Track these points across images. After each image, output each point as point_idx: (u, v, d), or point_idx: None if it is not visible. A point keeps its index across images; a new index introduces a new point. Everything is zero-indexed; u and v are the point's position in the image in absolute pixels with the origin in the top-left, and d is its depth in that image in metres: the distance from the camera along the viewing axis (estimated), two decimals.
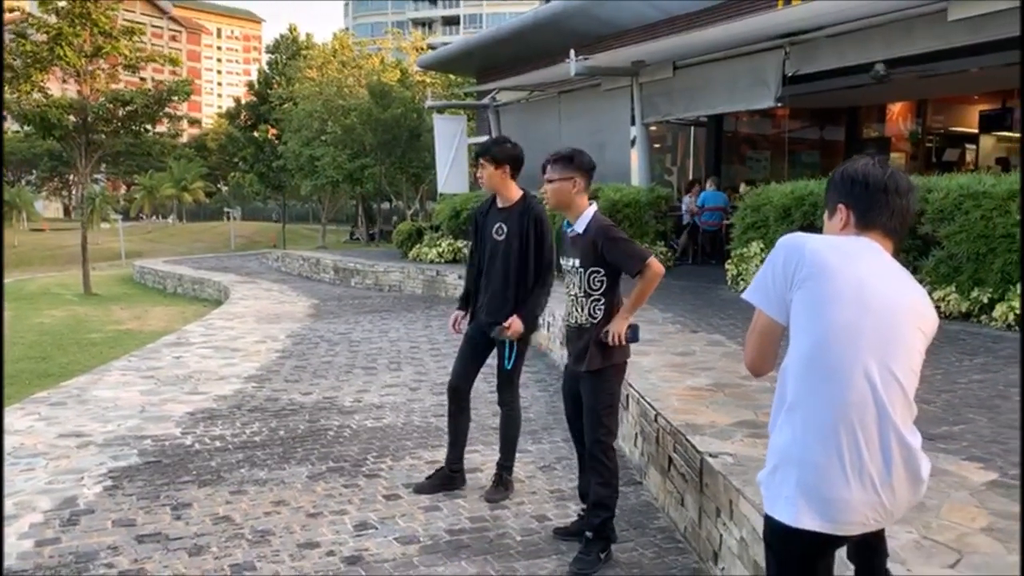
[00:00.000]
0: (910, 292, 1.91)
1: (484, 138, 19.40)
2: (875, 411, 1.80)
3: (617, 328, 3.61)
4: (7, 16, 23.97)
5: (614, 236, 3.60)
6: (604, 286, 3.65)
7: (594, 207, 3.73)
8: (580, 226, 3.68)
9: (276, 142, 42.02)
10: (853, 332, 1.82)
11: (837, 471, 1.80)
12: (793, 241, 1.91)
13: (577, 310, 3.75)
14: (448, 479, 4.62)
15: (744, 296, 2.00)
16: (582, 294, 3.68)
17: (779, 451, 1.89)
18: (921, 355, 1.89)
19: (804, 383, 1.86)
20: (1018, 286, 6.88)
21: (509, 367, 4.42)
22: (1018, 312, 6.83)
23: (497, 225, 4.38)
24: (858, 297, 1.83)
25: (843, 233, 1.97)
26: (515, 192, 4.39)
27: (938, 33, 9.49)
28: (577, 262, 3.67)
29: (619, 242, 3.59)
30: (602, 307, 3.67)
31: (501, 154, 4.34)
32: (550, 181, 3.71)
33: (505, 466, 4.57)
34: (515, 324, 4.28)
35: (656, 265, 3.58)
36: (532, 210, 4.31)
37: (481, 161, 4.37)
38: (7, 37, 20.21)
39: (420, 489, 4.59)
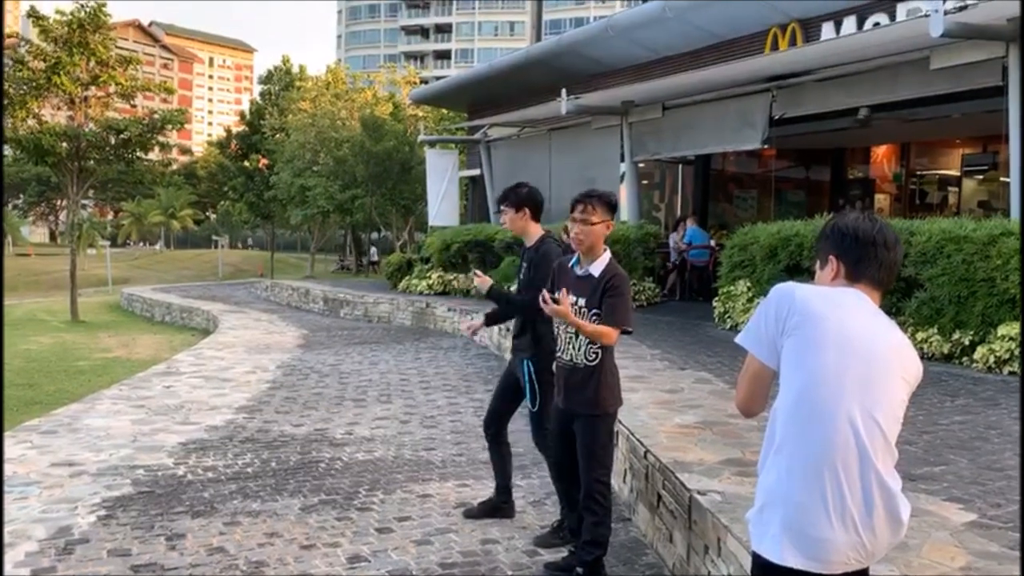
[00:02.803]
0: (895, 341, 2.01)
1: (476, 171, 19.63)
2: (857, 455, 1.90)
3: (565, 312, 3.60)
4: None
5: (623, 291, 3.73)
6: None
7: (609, 253, 3.85)
8: (596, 269, 3.78)
9: (267, 172, 42.20)
10: (837, 377, 1.92)
11: (820, 512, 1.90)
12: (784, 290, 2.02)
13: (573, 348, 3.84)
14: (495, 508, 4.75)
15: (737, 340, 2.10)
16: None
17: (766, 490, 1.99)
18: (903, 404, 1.99)
19: (791, 425, 1.96)
20: (999, 329, 7.03)
21: (534, 409, 4.47)
22: (999, 355, 6.97)
23: (522, 265, 4.62)
24: (843, 344, 1.94)
25: (833, 284, 2.08)
26: (536, 232, 4.56)
27: (921, 80, 9.76)
28: (583, 301, 3.76)
29: (622, 298, 3.72)
30: (597, 348, 3.77)
31: (518, 198, 4.52)
32: (584, 223, 3.78)
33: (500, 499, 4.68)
34: (483, 279, 4.47)
35: (615, 338, 3.71)
36: (542, 247, 4.48)
37: (502, 207, 4.58)
38: (5, 63, 20.31)
39: (469, 514, 4.73)
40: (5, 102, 20.24)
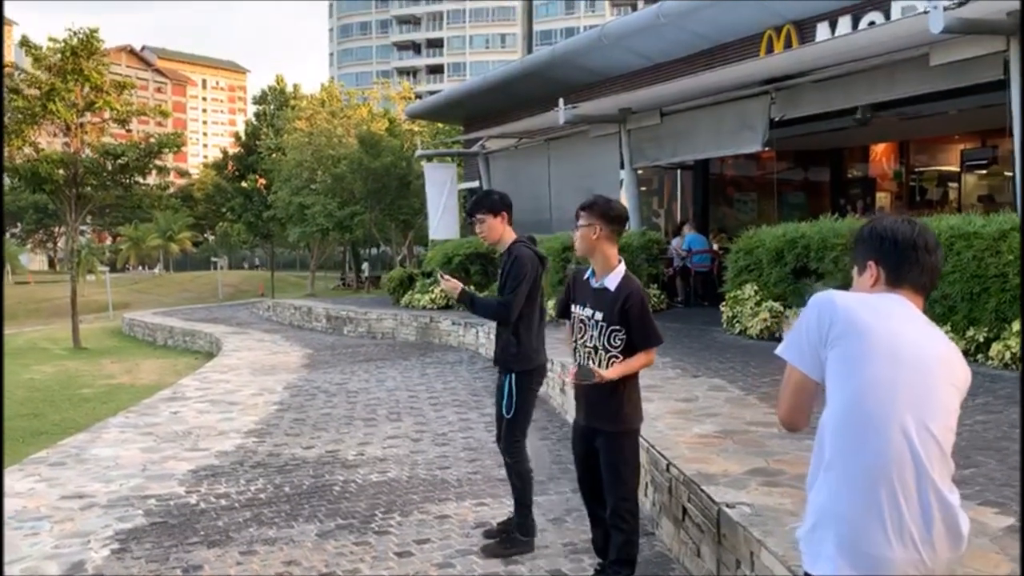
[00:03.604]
0: (943, 349, 1.95)
1: (475, 183, 19.60)
2: (913, 468, 1.83)
3: (600, 376, 3.60)
4: None
5: (645, 306, 3.67)
6: (624, 344, 3.66)
7: (624, 266, 3.76)
8: (611, 283, 3.70)
9: (265, 191, 42.21)
10: (888, 389, 1.85)
11: (877, 529, 1.82)
12: (826, 299, 1.96)
13: (592, 364, 3.76)
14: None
15: (777, 353, 2.03)
16: (601, 347, 3.69)
17: (818, 508, 1.91)
18: (956, 412, 1.92)
19: (841, 440, 1.88)
20: (1014, 324, 6.96)
21: (508, 416, 4.41)
22: (1014, 351, 6.89)
23: (499, 272, 4.54)
24: (892, 354, 1.87)
25: (873, 290, 2.02)
26: (510, 237, 4.50)
27: (920, 77, 9.70)
28: (600, 316, 3.68)
29: (647, 313, 3.68)
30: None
31: (493, 204, 4.47)
32: (577, 228, 3.77)
33: (516, 522, 4.52)
34: (452, 283, 4.38)
35: (653, 358, 3.74)
36: (513, 251, 4.42)
37: (478, 217, 4.46)
38: None
39: (489, 535, 4.61)
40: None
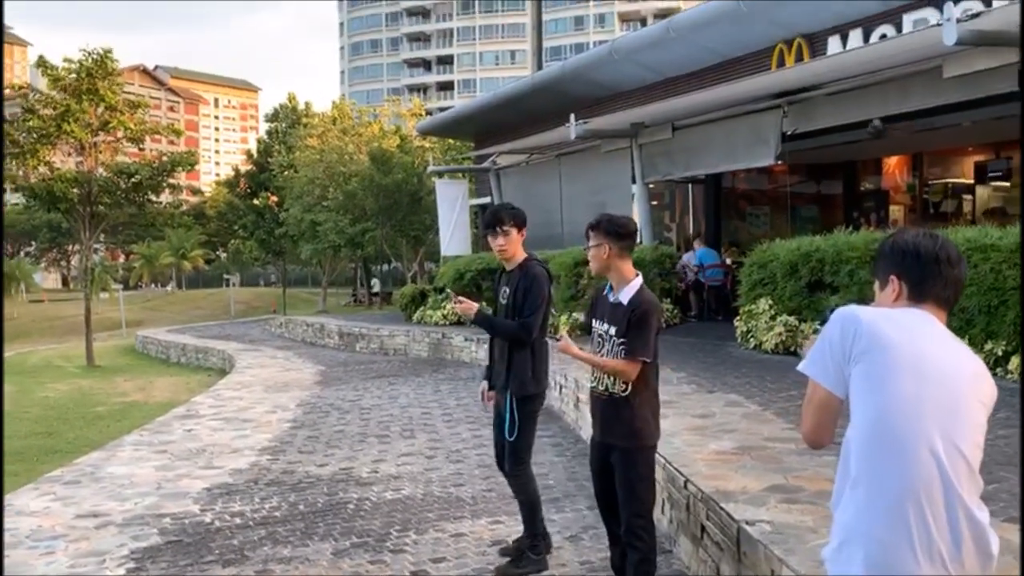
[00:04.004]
0: (969, 363, 1.92)
1: (486, 200, 19.63)
2: (941, 486, 1.80)
3: (567, 346, 3.61)
4: (10, 92, 24.39)
5: (648, 319, 3.60)
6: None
7: (640, 279, 3.74)
8: (625, 297, 3.67)
9: (277, 209, 42.40)
10: (915, 405, 1.82)
11: (905, 548, 1.79)
12: (848, 313, 1.93)
13: (606, 376, 3.74)
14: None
15: (800, 369, 2.01)
16: None
17: (845, 527, 1.88)
18: (983, 428, 1.89)
19: (867, 458, 1.85)
20: None
21: (511, 439, 4.35)
22: None
23: (503, 290, 4.45)
24: (918, 369, 1.84)
25: (896, 304, 1.99)
26: (521, 255, 4.43)
27: (933, 89, 9.67)
28: (613, 330, 3.66)
29: (647, 325, 3.60)
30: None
31: (516, 218, 4.38)
32: (587, 248, 3.76)
33: (525, 542, 4.47)
34: (468, 304, 4.28)
35: (635, 371, 3.59)
36: (529, 270, 4.34)
37: (503, 228, 4.34)
38: (15, 112, 20.55)
39: (505, 552, 4.58)
40: (16, 151, 20.43)
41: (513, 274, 4.39)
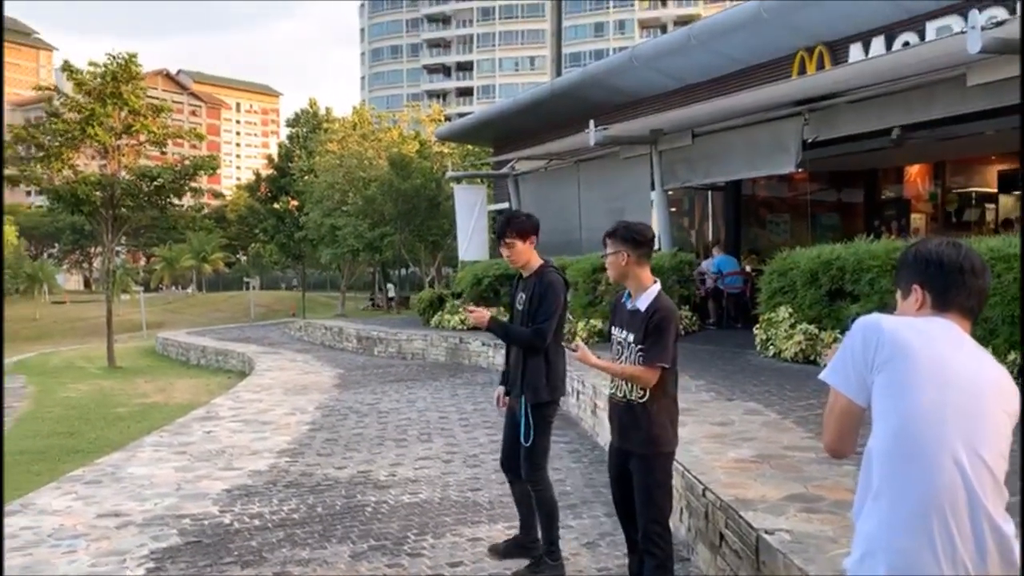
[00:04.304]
0: (993, 373, 1.90)
1: (504, 205, 19.66)
2: (965, 496, 1.78)
3: (585, 356, 3.61)
4: (37, 94, 24.69)
5: (666, 325, 3.59)
6: None
7: (658, 286, 3.73)
8: (642, 303, 3.67)
9: (297, 213, 42.69)
10: (938, 415, 1.81)
11: (929, 559, 1.77)
12: (871, 322, 1.92)
13: (625, 383, 3.74)
14: (522, 547, 4.56)
15: (821, 377, 2.00)
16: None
17: (867, 537, 1.87)
18: (1009, 438, 1.87)
19: (889, 468, 1.84)
20: None
21: (527, 444, 4.34)
22: None
23: (520, 296, 4.45)
24: (941, 379, 1.83)
25: (919, 314, 1.98)
26: (536, 261, 4.43)
27: (957, 98, 9.60)
28: (631, 337, 3.66)
29: (665, 331, 3.59)
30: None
31: (524, 227, 4.39)
32: (605, 256, 3.76)
33: (544, 547, 4.46)
34: (480, 314, 4.27)
35: (653, 377, 3.58)
36: (545, 277, 4.34)
37: (506, 240, 4.37)
38: (39, 115, 20.80)
39: (494, 550, 4.55)
40: (42, 154, 20.69)
41: (529, 280, 4.40)
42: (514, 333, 4.42)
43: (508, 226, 4.37)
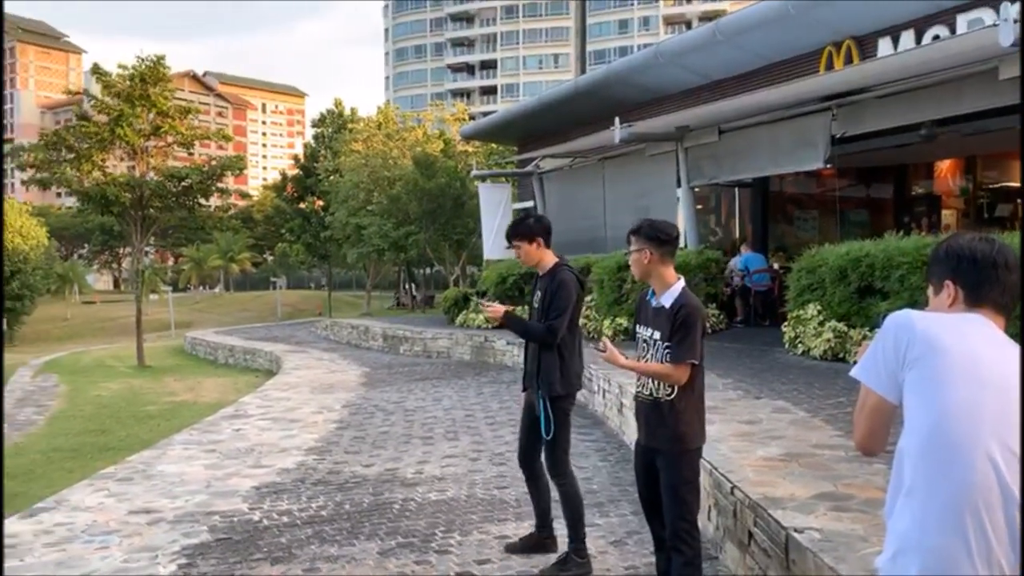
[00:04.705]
0: None
1: (529, 204, 19.65)
2: (1000, 493, 1.76)
3: (614, 357, 3.59)
4: (67, 97, 25.06)
5: (692, 321, 3.59)
6: None
7: (682, 283, 3.72)
8: (667, 300, 3.66)
9: (322, 213, 42.96)
10: (972, 411, 1.79)
11: (963, 557, 1.75)
12: (903, 318, 1.90)
13: (652, 381, 3.73)
14: (538, 544, 4.69)
15: (852, 374, 1.98)
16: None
17: (899, 536, 1.85)
18: None
19: (922, 465, 1.82)
20: None
21: (548, 437, 4.45)
22: None
23: (537, 294, 4.62)
24: (975, 375, 1.81)
25: (952, 310, 1.95)
26: (550, 260, 4.58)
27: (989, 92, 9.45)
28: (658, 335, 3.65)
29: (692, 327, 3.58)
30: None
31: (529, 230, 4.57)
32: (628, 253, 3.76)
33: (571, 545, 4.48)
34: (495, 308, 4.45)
35: (684, 374, 3.58)
36: (557, 275, 4.48)
37: (513, 244, 4.59)
38: (68, 117, 21.09)
39: (511, 548, 4.69)
40: (72, 156, 20.98)
41: (544, 279, 4.56)
42: (529, 328, 4.63)
43: (513, 231, 4.62)
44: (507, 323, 4.51)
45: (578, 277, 4.54)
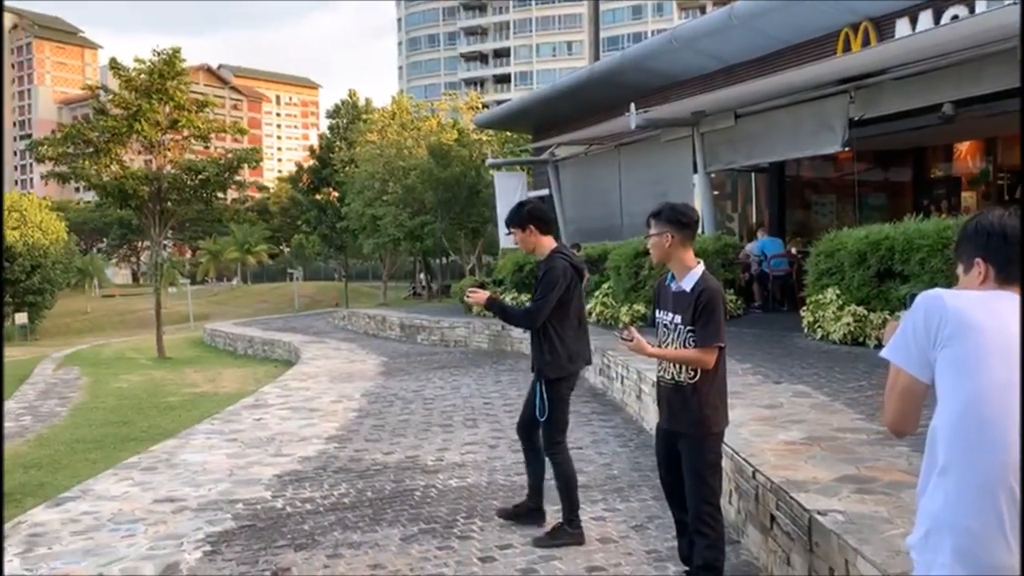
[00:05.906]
0: None
1: (544, 192, 19.62)
2: None
3: (640, 346, 3.57)
4: (84, 92, 25.20)
5: (712, 306, 3.59)
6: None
7: (702, 266, 3.72)
8: (688, 284, 3.66)
9: (338, 204, 43.05)
10: (1006, 390, 1.77)
11: (997, 536, 1.74)
12: (933, 297, 1.89)
13: (673, 365, 3.72)
14: (528, 512, 4.91)
15: (883, 355, 1.97)
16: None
17: (931, 515, 1.84)
18: None
19: (956, 444, 1.81)
20: None
21: (542, 418, 4.65)
22: None
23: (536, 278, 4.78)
24: (1008, 354, 1.79)
25: (982, 288, 1.94)
26: (547, 246, 4.73)
27: (1009, 71, 9.33)
28: (679, 319, 3.65)
29: (715, 310, 3.59)
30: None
31: (521, 218, 4.71)
32: (648, 237, 3.75)
33: (565, 516, 4.66)
34: (479, 295, 4.62)
35: (711, 358, 3.59)
36: (548, 261, 4.63)
37: (510, 231, 4.78)
38: (86, 112, 21.25)
39: (502, 513, 4.98)
40: (91, 150, 21.12)
41: (541, 265, 4.71)
42: (509, 311, 4.93)
43: (507, 219, 4.80)
44: (490, 307, 4.67)
45: (572, 262, 4.64)
